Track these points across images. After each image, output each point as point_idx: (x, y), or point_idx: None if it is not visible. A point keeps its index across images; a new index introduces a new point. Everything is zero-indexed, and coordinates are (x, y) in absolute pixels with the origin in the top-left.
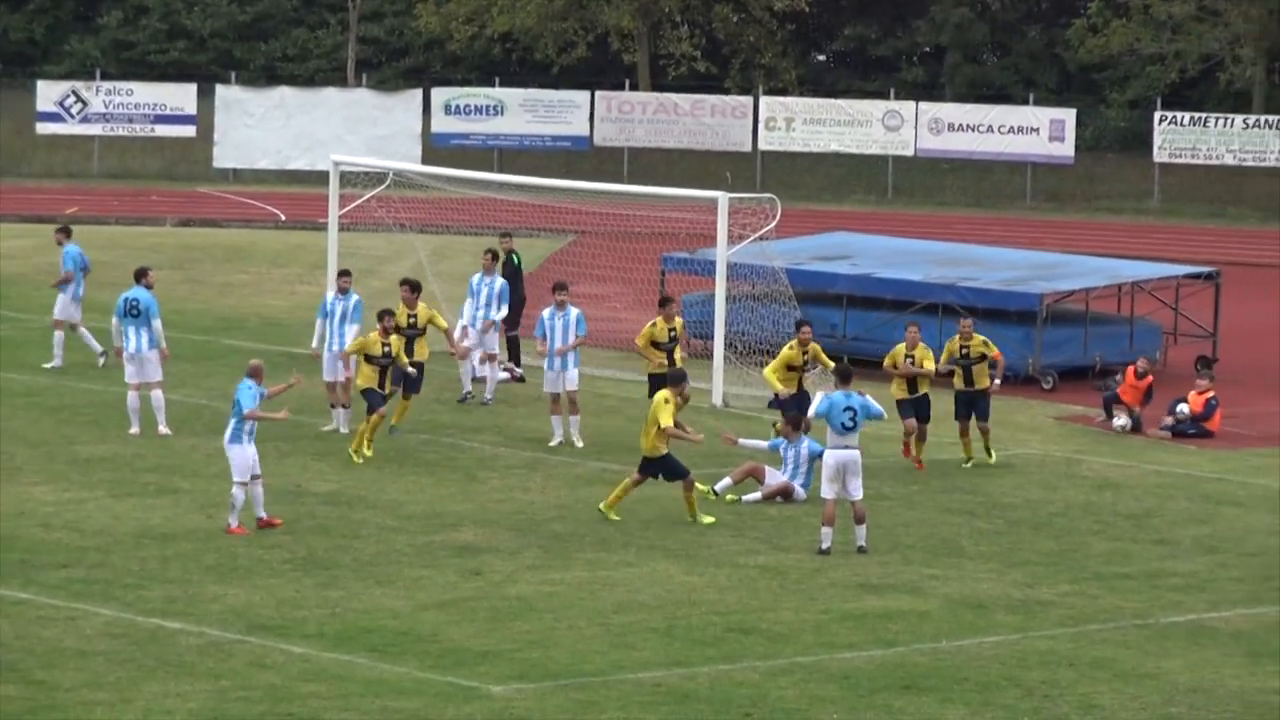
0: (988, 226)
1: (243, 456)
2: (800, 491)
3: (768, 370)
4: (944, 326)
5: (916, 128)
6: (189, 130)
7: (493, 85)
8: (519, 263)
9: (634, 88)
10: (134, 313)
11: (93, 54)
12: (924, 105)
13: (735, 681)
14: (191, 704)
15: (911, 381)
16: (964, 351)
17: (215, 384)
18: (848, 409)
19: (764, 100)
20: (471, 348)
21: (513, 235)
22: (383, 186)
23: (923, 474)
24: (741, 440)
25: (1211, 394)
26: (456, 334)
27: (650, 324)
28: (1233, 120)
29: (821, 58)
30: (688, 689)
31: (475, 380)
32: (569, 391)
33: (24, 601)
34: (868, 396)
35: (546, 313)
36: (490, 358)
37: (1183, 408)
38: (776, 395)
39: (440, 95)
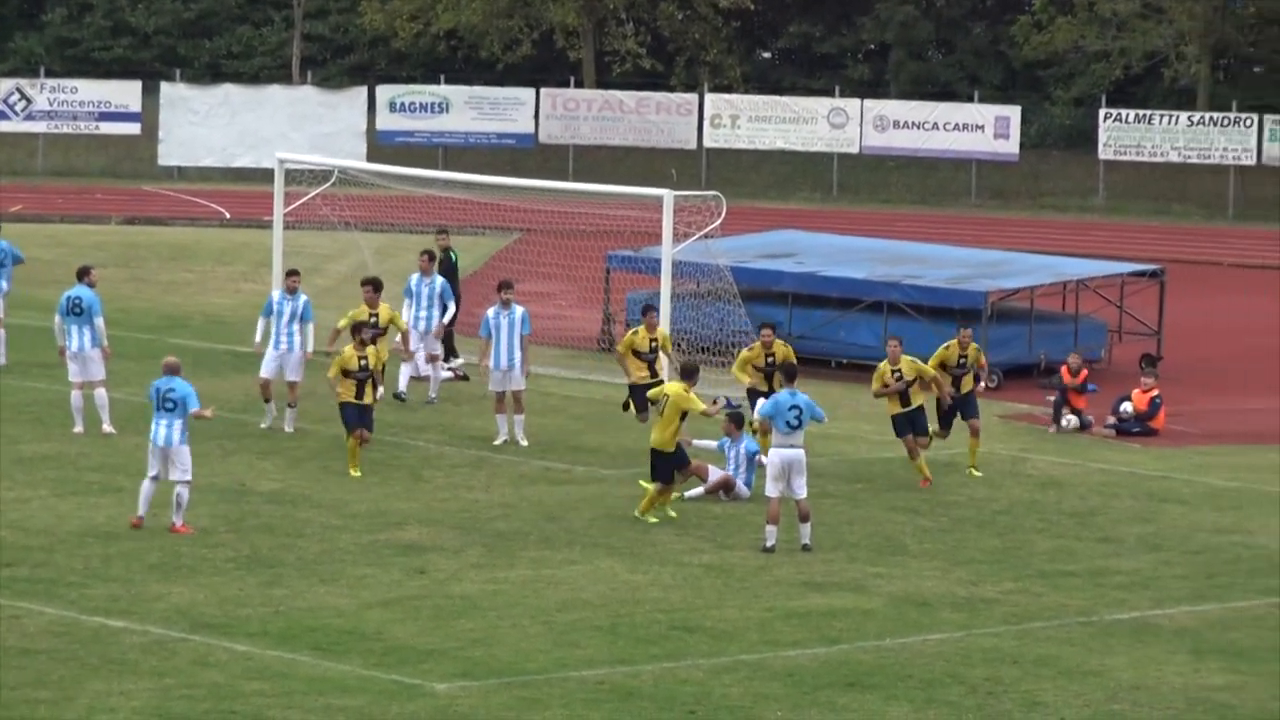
0: (933, 224)
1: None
2: (743, 488)
3: (735, 368)
4: (889, 325)
5: (861, 125)
6: (133, 128)
7: (438, 83)
8: (456, 260)
9: (579, 85)
10: (76, 311)
11: (37, 51)
12: (869, 103)
13: (679, 679)
14: (135, 702)
15: (905, 397)
16: (961, 361)
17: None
18: (793, 408)
19: (709, 97)
20: (414, 350)
21: (450, 232)
22: (328, 184)
23: (926, 487)
24: (696, 442)
25: (1156, 392)
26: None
27: (631, 332)
28: (1177, 118)
29: (767, 55)
30: (632, 687)
31: (416, 379)
32: (515, 391)
33: None
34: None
35: (491, 311)
36: (433, 358)
37: (1127, 406)
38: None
39: (385, 93)
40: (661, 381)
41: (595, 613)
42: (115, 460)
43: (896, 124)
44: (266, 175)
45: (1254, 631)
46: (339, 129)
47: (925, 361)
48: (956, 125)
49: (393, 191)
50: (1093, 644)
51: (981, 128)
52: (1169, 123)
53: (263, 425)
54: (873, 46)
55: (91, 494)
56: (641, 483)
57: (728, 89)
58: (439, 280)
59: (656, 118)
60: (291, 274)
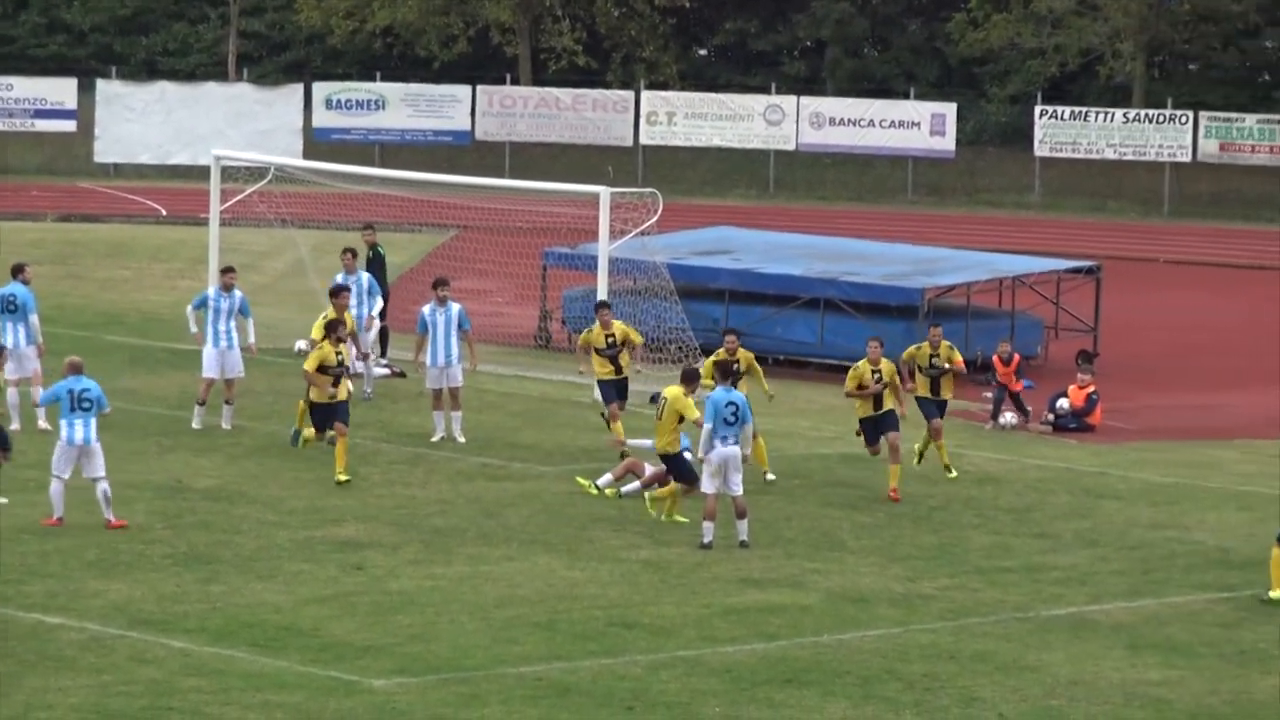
0: (869, 221)
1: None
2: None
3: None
4: (825, 322)
5: (798, 122)
6: (69, 125)
7: (374, 80)
8: (383, 256)
9: (515, 82)
10: (10, 308)
11: None
12: (805, 99)
13: (617, 675)
14: (72, 699)
15: (877, 398)
16: (933, 361)
17: (96, 379)
18: (729, 404)
19: (645, 95)
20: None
21: (376, 228)
22: (264, 181)
23: (896, 504)
24: (631, 442)
25: (1092, 388)
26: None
27: (586, 330)
28: (1113, 115)
29: (703, 52)
30: (569, 683)
31: (353, 376)
32: (452, 388)
33: None
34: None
35: (427, 309)
36: (365, 355)
37: (1063, 402)
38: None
39: (321, 90)
40: (625, 378)
41: (533, 609)
42: (51, 457)
43: (833, 121)
44: (203, 172)
45: (1190, 626)
46: (275, 126)
47: (895, 361)
48: (893, 122)
49: (329, 188)
50: (1030, 639)
51: (918, 125)
52: (1105, 120)
53: (194, 425)
54: (809, 43)
55: (28, 491)
56: (578, 479)
57: (664, 86)
58: (365, 276)
59: (593, 115)
60: (227, 271)
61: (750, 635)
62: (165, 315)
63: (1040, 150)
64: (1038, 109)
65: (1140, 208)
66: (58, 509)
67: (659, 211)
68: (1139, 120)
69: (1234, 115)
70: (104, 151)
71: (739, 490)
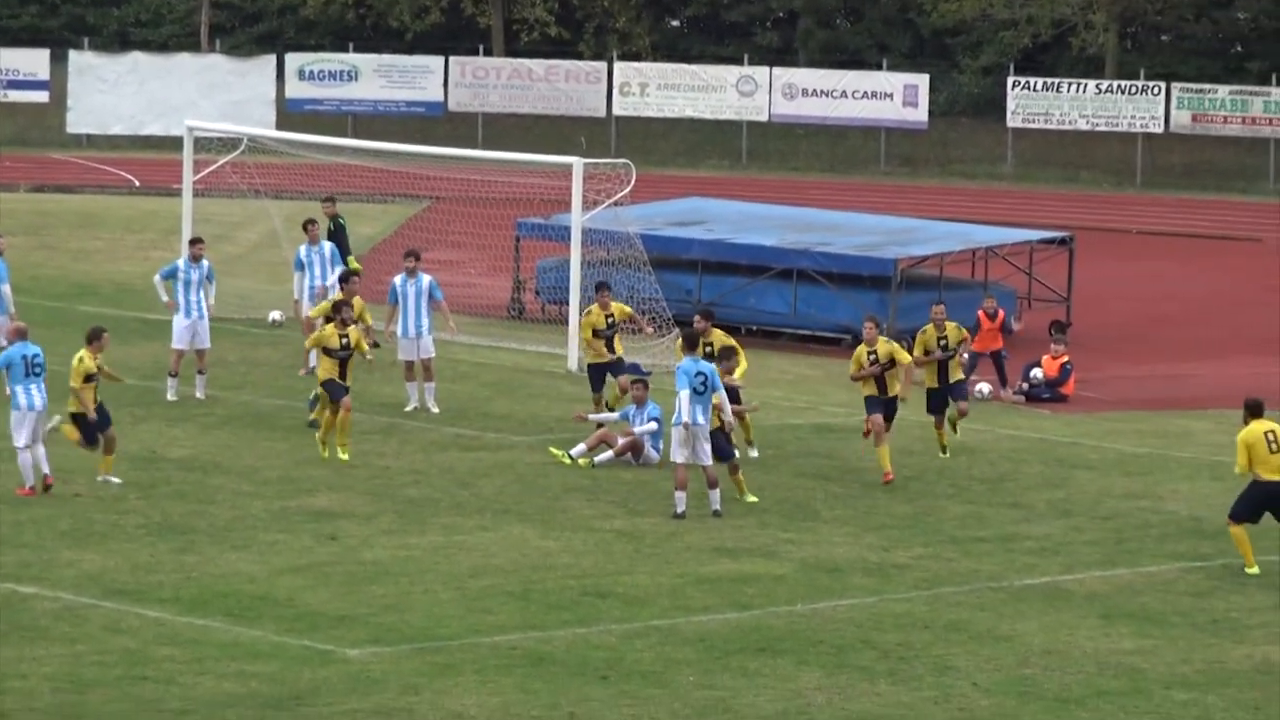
0: (842, 192)
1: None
2: (652, 452)
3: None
4: (798, 292)
5: (770, 93)
6: (42, 96)
7: (347, 51)
8: (344, 226)
9: (488, 53)
10: None
11: None
12: (778, 70)
13: (591, 644)
14: (47, 668)
15: (881, 381)
16: (941, 342)
17: (69, 350)
18: (698, 374)
19: (618, 66)
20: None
21: (336, 200)
22: (237, 152)
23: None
24: (591, 415)
25: (1066, 359)
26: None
27: (585, 312)
28: (1085, 85)
29: (675, 23)
30: (544, 652)
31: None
32: (424, 359)
33: None
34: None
35: (398, 279)
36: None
37: (1037, 372)
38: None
39: (294, 61)
40: (620, 360)
41: (507, 579)
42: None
43: (805, 92)
44: (176, 143)
45: (1164, 596)
46: (248, 97)
47: (909, 349)
48: (865, 93)
49: (302, 159)
50: (1004, 609)
51: (890, 96)
52: (1077, 91)
53: (169, 397)
54: (781, 14)
55: (0, 460)
56: (552, 450)
57: (636, 57)
58: (327, 246)
59: (565, 86)
60: (196, 242)
61: (724, 604)
62: (138, 286)
63: (1013, 121)
64: (1010, 80)
65: (1113, 179)
66: (29, 478)
67: (632, 182)
68: (1111, 91)
69: (1206, 86)
70: (77, 122)
71: (709, 460)
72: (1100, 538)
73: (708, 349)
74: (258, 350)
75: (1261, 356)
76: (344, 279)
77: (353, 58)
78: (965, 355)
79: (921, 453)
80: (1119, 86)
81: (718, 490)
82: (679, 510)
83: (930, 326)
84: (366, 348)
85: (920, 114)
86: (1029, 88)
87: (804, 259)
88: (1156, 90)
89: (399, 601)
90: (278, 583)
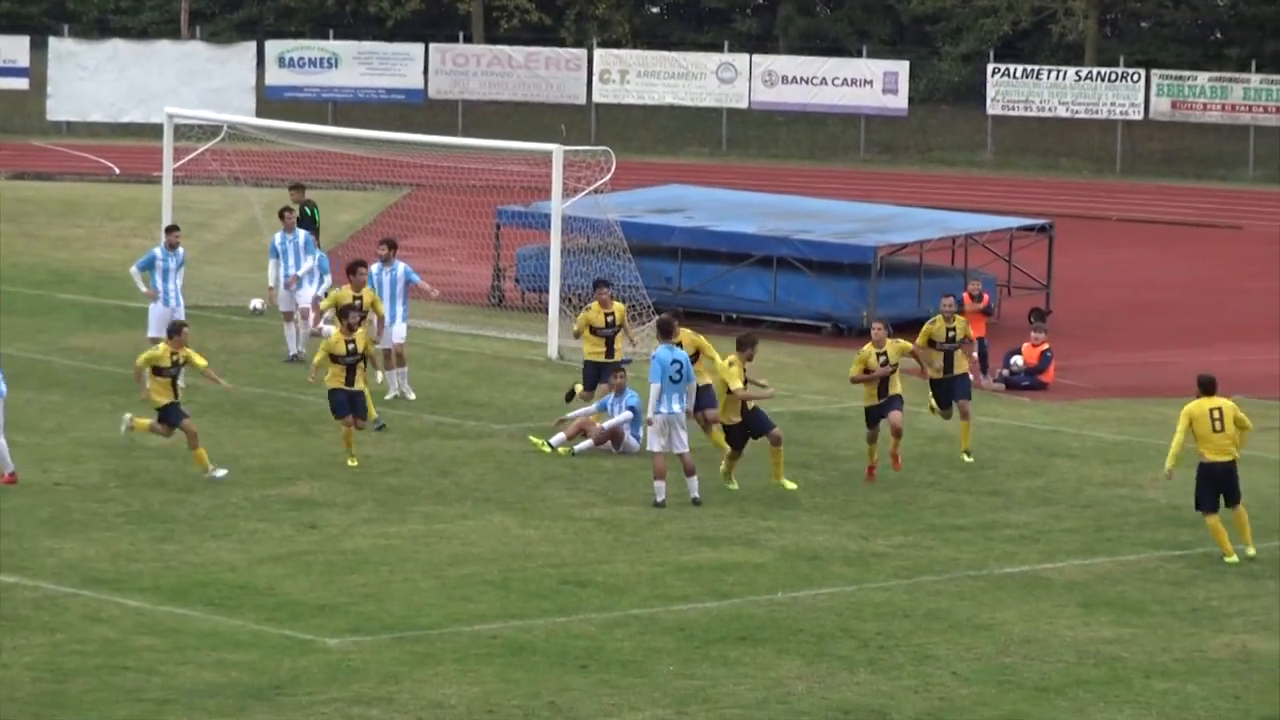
0: (822, 179)
1: None
2: (632, 441)
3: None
4: (778, 280)
5: (750, 80)
6: (21, 83)
7: (327, 38)
8: (314, 214)
9: (468, 40)
10: None
11: None
12: (758, 58)
13: (571, 634)
14: (26, 658)
15: (882, 385)
16: (950, 335)
17: (49, 338)
18: (674, 362)
19: (598, 53)
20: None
21: (305, 187)
22: (217, 140)
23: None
24: (569, 415)
25: (1046, 346)
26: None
27: (585, 309)
28: (1065, 73)
29: (655, 10)
30: (524, 641)
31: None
32: (396, 345)
33: None
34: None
35: (374, 268)
36: (289, 316)
37: (1017, 360)
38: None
39: (274, 48)
40: (619, 365)
41: (487, 567)
42: (5, 416)
43: (785, 79)
44: (156, 130)
45: (1143, 584)
46: (228, 84)
47: (912, 339)
48: (845, 80)
49: (282, 147)
50: (983, 597)
51: (870, 83)
52: (1057, 78)
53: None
54: (761, 1)
55: None
56: (532, 438)
57: (617, 44)
58: (302, 234)
59: (546, 73)
60: (173, 229)
61: (704, 593)
62: (118, 273)
63: (993, 108)
64: (990, 67)
65: (1092, 166)
66: (8, 465)
67: (612, 169)
68: (1091, 78)
69: (1186, 73)
70: (57, 109)
71: (685, 448)
72: (1080, 526)
73: (675, 327)
74: (238, 338)
75: (1241, 344)
76: (351, 270)
77: (333, 45)
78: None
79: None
80: (1099, 74)
81: (695, 477)
82: (659, 499)
83: (939, 318)
84: (374, 351)
85: (900, 101)
86: (1009, 75)
87: (784, 246)
88: (1136, 77)
89: (379, 590)
90: (258, 572)
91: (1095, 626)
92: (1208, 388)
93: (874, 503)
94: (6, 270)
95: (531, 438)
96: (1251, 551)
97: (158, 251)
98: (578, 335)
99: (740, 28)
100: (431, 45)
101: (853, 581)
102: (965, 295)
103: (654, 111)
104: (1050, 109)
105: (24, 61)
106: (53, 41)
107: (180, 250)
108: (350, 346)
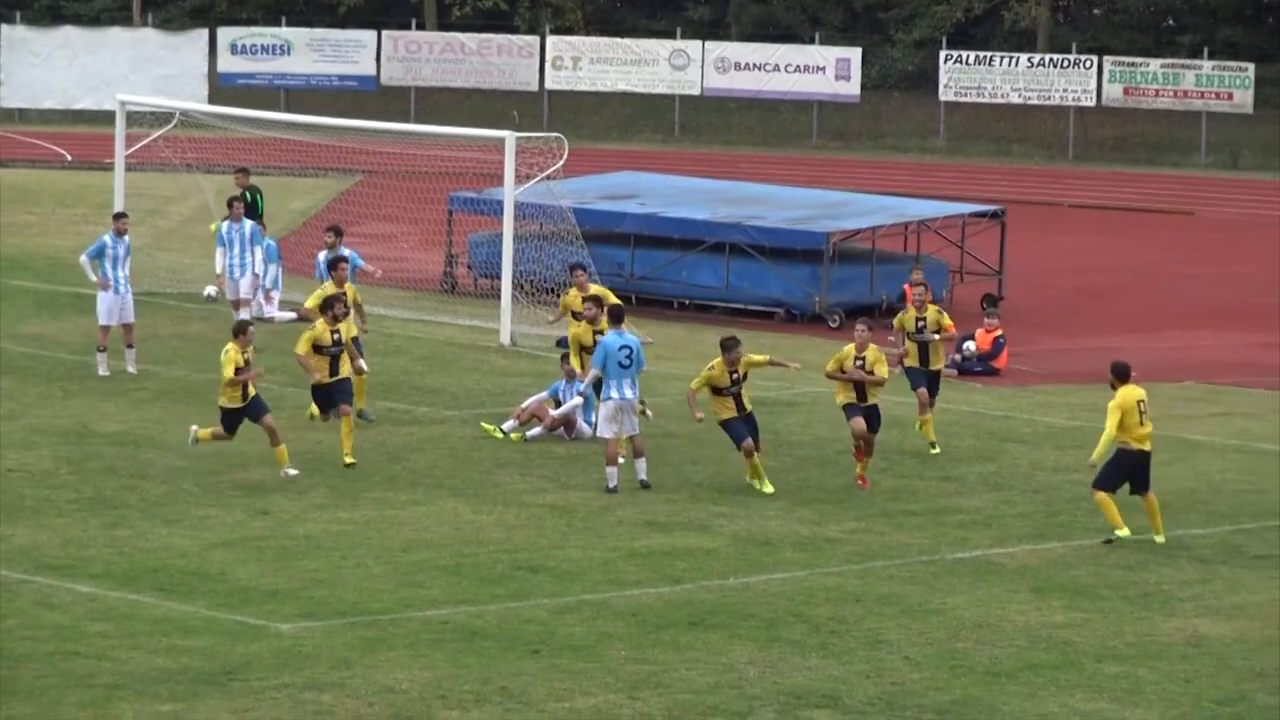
0: (774, 165)
1: None
2: (584, 426)
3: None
4: (730, 266)
5: (703, 67)
6: None
7: (279, 25)
8: (256, 199)
9: (420, 27)
10: None
11: None
12: (710, 44)
13: (523, 619)
14: None
15: (860, 388)
16: (920, 325)
17: (1, 324)
18: (623, 347)
19: (550, 40)
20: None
21: (250, 172)
22: (169, 126)
23: (865, 489)
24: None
25: (999, 332)
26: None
27: (564, 293)
28: (1017, 59)
29: None
30: (475, 626)
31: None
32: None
33: None
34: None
35: (322, 256)
36: (244, 303)
37: (970, 345)
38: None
39: (226, 35)
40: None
41: (439, 553)
42: None
43: (738, 66)
44: (108, 117)
45: (1095, 569)
46: (180, 71)
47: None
48: (798, 67)
49: (235, 134)
50: (935, 582)
51: (823, 69)
52: (1009, 64)
53: (101, 373)
54: None
55: None
56: (483, 424)
57: (569, 31)
58: (249, 224)
59: (498, 60)
60: (121, 216)
61: (656, 578)
62: (70, 260)
63: (945, 95)
64: (943, 54)
65: (1044, 152)
66: None
67: (564, 156)
68: (1043, 65)
69: (1138, 60)
70: (9, 96)
71: (635, 430)
72: (1031, 511)
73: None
74: (190, 325)
75: (1192, 329)
76: (332, 266)
77: (285, 32)
78: (957, 357)
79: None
80: (1051, 60)
81: (644, 459)
82: (611, 484)
83: (911, 309)
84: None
85: (853, 88)
86: (961, 61)
87: (736, 233)
88: (1088, 64)
89: (331, 576)
90: (209, 557)
91: (1047, 611)
92: (1124, 375)
93: (826, 488)
94: None
95: (484, 424)
96: (1160, 539)
97: (107, 239)
98: (554, 321)
99: (693, 15)
100: (384, 32)
101: (805, 567)
102: (906, 287)
103: (606, 98)
104: (1003, 95)
105: None
106: (4, 29)
107: (127, 238)
108: (335, 337)
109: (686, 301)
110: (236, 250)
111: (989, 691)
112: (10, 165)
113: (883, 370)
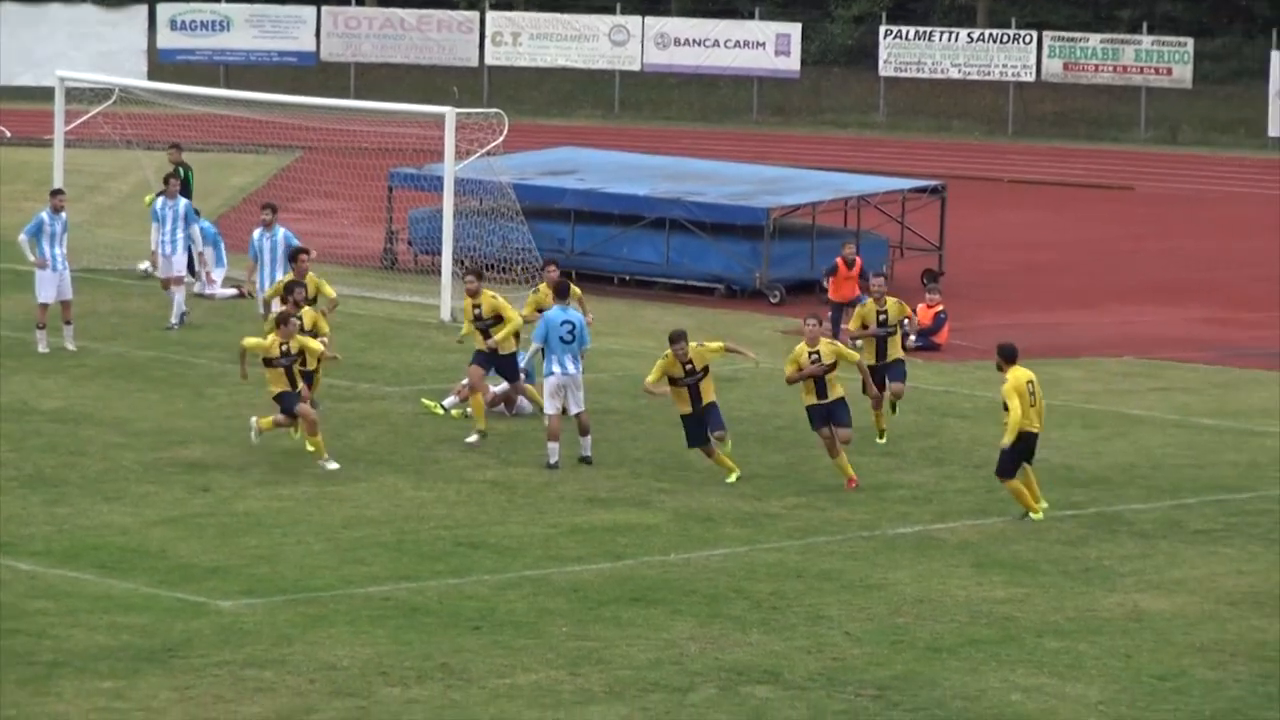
0: (715, 141)
1: None
2: (525, 403)
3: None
4: (671, 242)
5: (643, 42)
6: None
7: (218, 1)
8: (188, 175)
9: (360, 3)
10: None
11: None
12: (650, 20)
13: (464, 595)
14: None
15: (821, 386)
16: (881, 317)
17: None
18: (565, 323)
19: (490, 15)
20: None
21: (182, 147)
22: (109, 103)
23: (852, 489)
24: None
25: (940, 307)
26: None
27: (533, 291)
28: (957, 34)
29: None
30: (416, 603)
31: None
32: None
33: None
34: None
35: (256, 233)
36: (174, 281)
37: (910, 321)
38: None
39: (166, 11)
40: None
41: (380, 529)
42: None
43: (678, 41)
44: (47, 94)
45: (1036, 544)
46: (120, 47)
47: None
48: (738, 42)
49: (174, 110)
50: (876, 558)
51: (763, 45)
52: (949, 40)
53: (41, 350)
54: None
55: None
56: (424, 400)
57: (509, 6)
58: (182, 203)
59: (438, 35)
60: (58, 193)
61: (597, 554)
62: (9, 237)
63: (885, 70)
64: (882, 29)
65: (984, 127)
66: None
67: (505, 132)
68: (983, 40)
69: (1077, 35)
70: None
71: (580, 408)
72: (972, 486)
73: (477, 311)
74: (129, 301)
75: (1132, 305)
76: (293, 257)
77: (224, 8)
78: (913, 338)
79: (794, 402)
80: (991, 35)
81: (588, 437)
82: (552, 460)
83: (870, 301)
84: (320, 348)
85: (792, 63)
86: (901, 37)
87: (676, 208)
88: (1028, 39)
89: (271, 553)
90: (150, 534)
91: (988, 586)
92: (1012, 357)
93: (767, 464)
94: None
95: (424, 400)
96: (1039, 515)
97: (44, 215)
98: (527, 320)
99: None
100: (324, 8)
101: (746, 542)
102: (839, 261)
103: (546, 74)
104: (942, 70)
105: None
106: None
107: (64, 214)
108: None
109: (627, 277)
110: (169, 227)
111: (930, 667)
112: None
113: (849, 356)
